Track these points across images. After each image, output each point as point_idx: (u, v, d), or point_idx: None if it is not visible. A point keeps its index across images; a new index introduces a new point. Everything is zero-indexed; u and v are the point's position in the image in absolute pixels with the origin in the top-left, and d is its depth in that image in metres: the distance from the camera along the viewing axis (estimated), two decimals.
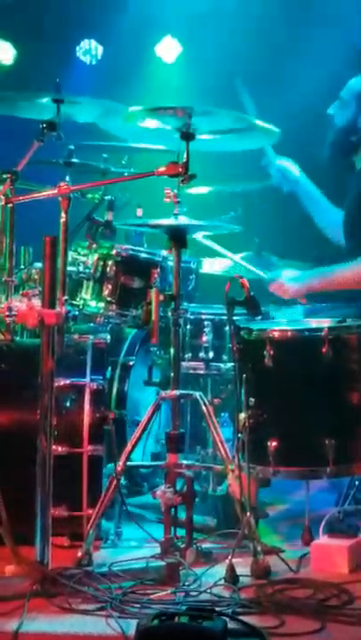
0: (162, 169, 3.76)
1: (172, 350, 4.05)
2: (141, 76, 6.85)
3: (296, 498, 4.80)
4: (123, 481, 4.13)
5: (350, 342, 3.89)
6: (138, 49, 6.89)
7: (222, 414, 4.74)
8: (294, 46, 6.31)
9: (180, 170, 3.73)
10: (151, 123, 4.00)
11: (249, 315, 3.94)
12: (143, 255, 4.57)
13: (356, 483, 4.41)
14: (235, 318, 3.91)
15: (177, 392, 4.03)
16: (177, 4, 6.65)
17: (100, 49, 7.02)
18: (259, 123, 3.97)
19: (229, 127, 3.93)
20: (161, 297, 3.98)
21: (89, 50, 7.03)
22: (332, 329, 3.87)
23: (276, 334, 3.92)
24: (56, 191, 3.79)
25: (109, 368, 4.42)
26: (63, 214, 3.79)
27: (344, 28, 6.22)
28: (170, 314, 4.05)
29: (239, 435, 3.86)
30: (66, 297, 3.80)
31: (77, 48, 7.02)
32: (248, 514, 3.76)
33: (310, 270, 4.77)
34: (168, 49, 6.98)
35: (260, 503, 4.41)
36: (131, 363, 4.81)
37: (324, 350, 3.82)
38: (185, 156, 3.79)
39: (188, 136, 3.81)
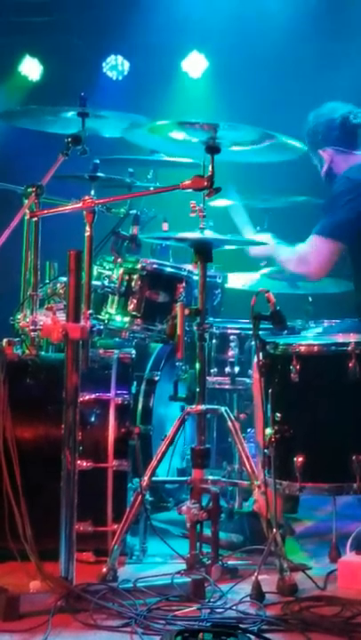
0: (187, 182, 3.75)
1: (197, 365, 4.03)
2: (167, 91, 6.86)
3: (323, 514, 4.76)
4: (148, 496, 4.09)
5: None
6: (164, 64, 6.90)
7: (248, 430, 4.70)
8: (322, 61, 6.29)
9: (206, 183, 3.71)
10: (177, 135, 3.99)
11: (275, 329, 3.92)
12: (168, 269, 4.56)
13: None
14: (260, 333, 3.89)
15: (203, 407, 4.01)
16: (203, 20, 6.67)
17: (127, 64, 7.03)
18: (285, 139, 3.94)
19: (254, 141, 3.90)
20: (186, 311, 3.95)
21: (115, 65, 7.05)
22: (359, 343, 3.83)
23: (303, 349, 3.89)
24: (81, 205, 3.78)
25: (135, 383, 4.40)
26: (88, 228, 3.80)
27: None
28: (195, 328, 4.03)
29: (265, 450, 3.83)
30: (91, 311, 3.79)
31: (104, 64, 7.04)
32: (274, 530, 3.73)
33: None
34: (194, 64, 6.98)
35: (286, 520, 4.37)
36: (156, 378, 4.79)
37: (350, 365, 3.79)
38: (210, 169, 3.78)
39: (213, 149, 3.80)
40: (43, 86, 6.90)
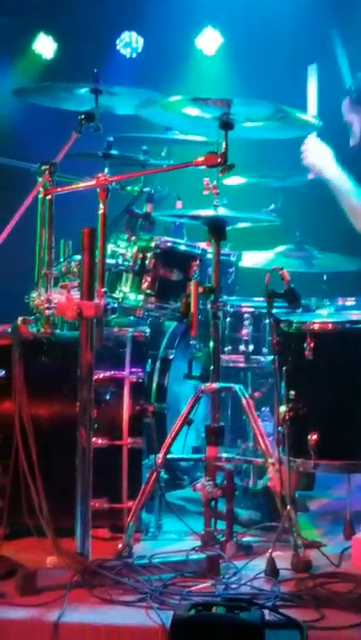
0: (200, 159, 3.74)
1: (211, 343, 4.03)
2: (181, 69, 6.82)
3: (338, 493, 4.75)
4: (163, 474, 4.10)
5: None
6: (178, 41, 6.85)
7: (263, 409, 4.71)
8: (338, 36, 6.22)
9: (219, 160, 3.70)
10: (191, 111, 3.97)
11: (289, 307, 3.90)
12: (182, 247, 4.56)
13: None
14: (274, 311, 3.89)
15: (217, 385, 4.02)
16: None
17: (141, 41, 6.99)
18: (299, 115, 3.92)
19: (268, 117, 3.88)
20: (200, 289, 3.95)
21: (129, 42, 7.00)
22: None
23: (317, 326, 3.88)
24: (94, 182, 3.78)
25: (149, 361, 4.40)
26: (101, 206, 3.77)
27: None
28: (209, 306, 4.03)
29: (279, 428, 3.84)
30: (105, 289, 3.79)
31: (117, 41, 7.00)
32: (288, 507, 3.74)
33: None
34: (209, 41, 6.93)
35: (300, 498, 4.38)
36: (171, 356, 4.79)
37: None
38: (224, 146, 3.76)
39: (226, 125, 3.79)
40: (56, 64, 6.89)
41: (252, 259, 5.15)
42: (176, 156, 5.13)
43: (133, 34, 7.01)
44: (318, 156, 4.80)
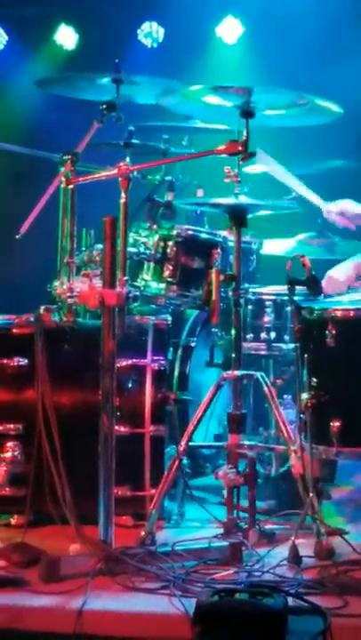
0: (221, 147, 3.74)
1: (233, 331, 4.04)
2: (202, 58, 6.80)
3: (360, 481, 4.75)
4: (185, 461, 4.11)
5: None
6: (199, 30, 6.83)
7: (285, 396, 4.71)
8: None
9: (240, 148, 3.70)
10: (211, 99, 3.97)
11: (310, 294, 3.90)
12: (204, 235, 4.57)
13: None
14: (296, 298, 3.88)
15: (238, 372, 4.02)
16: None
17: (162, 31, 6.98)
18: (320, 102, 3.91)
19: (289, 104, 3.88)
20: (221, 277, 3.95)
21: (150, 32, 6.99)
22: None
23: (339, 313, 3.87)
24: (116, 171, 3.78)
25: (171, 349, 4.41)
26: (123, 194, 3.79)
27: None
28: (230, 294, 4.04)
29: (301, 415, 3.84)
30: (127, 277, 3.80)
31: (138, 31, 6.99)
32: (311, 494, 3.74)
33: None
34: (229, 29, 6.90)
35: (323, 484, 4.37)
36: (192, 344, 4.79)
37: None
38: (245, 133, 3.76)
39: (247, 114, 3.79)
40: (78, 55, 6.89)
41: (274, 247, 5.14)
42: (197, 145, 5.13)
43: (154, 24, 7.00)
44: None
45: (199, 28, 6.84)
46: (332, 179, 5.37)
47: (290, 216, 5.00)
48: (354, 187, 4.95)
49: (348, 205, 4.77)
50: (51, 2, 6.77)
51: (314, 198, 4.80)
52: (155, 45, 7.01)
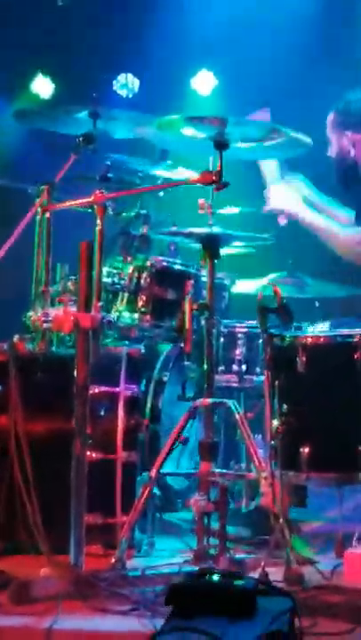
0: (195, 177, 3.82)
1: (205, 360, 4.08)
2: (177, 109, 6.92)
3: (329, 515, 4.76)
4: (156, 490, 4.13)
5: None
6: (174, 82, 6.99)
7: (256, 436, 4.73)
8: (330, 73, 6.36)
9: (214, 178, 3.78)
10: (187, 132, 4.07)
11: (282, 323, 3.96)
12: (178, 267, 4.63)
13: None
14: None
15: (210, 400, 4.06)
16: (212, 38, 6.75)
17: (137, 82, 7.12)
18: (293, 134, 4.02)
19: (263, 137, 3.98)
20: (195, 306, 4.02)
21: (125, 84, 7.12)
22: None
23: (309, 340, 3.94)
24: (92, 199, 3.86)
25: (144, 381, 4.45)
26: (99, 222, 3.85)
27: None
28: (203, 322, 4.09)
29: (272, 442, 3.87)
30: (102, 303, 3.84)
31: (114, 82, 7.13)
32: (281, 520, 3.76)
33: None
34: (204, 82, 7.08)
35: (293, 521, 4.39)
36: (165, 378, 4.83)
37: (356, 356, 3.84)
38: (218, 164, 3.85)
39: (221, 145, 3.88)
40: (54, 104, 7.00)
41: (246, 286, 5.21)
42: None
43: (129, 75, 7.14)
44: (285, 201, 4.89)
45: (174, 79, 7.00)
46: None
47: (261, 256, 5.10)
48: None
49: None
50: (28, 51, 6.88)
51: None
52: (130, 96, 7.14)
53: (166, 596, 2.54)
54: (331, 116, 4.80)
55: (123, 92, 7.14)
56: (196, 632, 2.34)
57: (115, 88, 7.13)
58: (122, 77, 7.14)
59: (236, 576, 2.64)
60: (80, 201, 3.95)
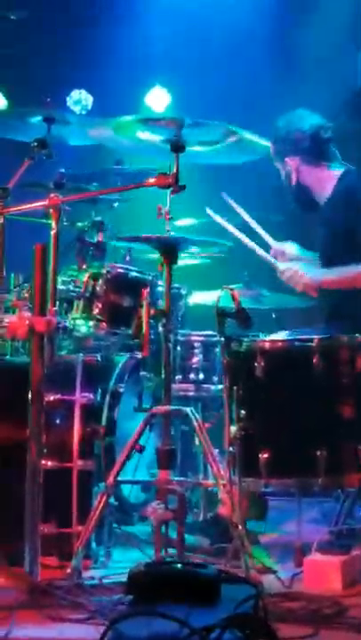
0: (151, 180, 3.80)
1: (162, 367, 4.04)
2: None
3: (287, 528, 4.74)
4: (112, 501, 4.06)
5: (341, 353, 3.90)
6: (128, 99, 6.99)
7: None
8: (285, 90, 6.40)
9: (170, 181, 3.76)
10: (143, 135, 4.05)
11: (240, 327, 3.94)
12: (133, 274, 4.59)
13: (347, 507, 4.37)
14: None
15: (168, 407, 4.01)
16: (165, 54, 6.78)
17: (90, 99, 7.10)
18: (250, 136, 4.01)
19: (219, 139, 3.97)
20: (152, 311, 3.98)
21: (79, 100, 7.09)
22: (322, 340, 3.88)
23: (267, 345, 3.92)
24: (47, 202, 3.81)
25: (100, 391, 4.38)
26: (54, 225, 3.80)
27: (335, 72, 6.34)
28: (160, 329, 4.05)
29: (230, 448, 3.83)
30: (56, 308, 3.79)
31: (68, 98, 7.10)
32: (240, 528, 3.71)
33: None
34: (157, 99, 7.09)
35: (251, 533, 4.34)
36: (120, 390, 4.74)
37: (314, 361, 3.83)
38: (175, 167, 3.83)
39: (178, 147, 3.86)
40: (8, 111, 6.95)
41: (202, 297, 5.18)
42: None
43: (83, 91, 7.12)
44: (301, 280, 4.84)
45: (128, 96, 7.00)
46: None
47: (217, 268, 5.08)
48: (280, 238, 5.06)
49: (291, 249, 4.90)
50: None
51: (265, 237, 4.90)
52: (83, 113, 7.11)
53: (126, 585, 2.47)
54: (271, 147, 4.79)
55: (76, 109, 7.11)
56: (161, 616, 2.26)
57: (68, 104, 7.10)
58: (75, 94, 7.11)
59: (199, 565, 2.59)
60: (35, 204, 3.91)
